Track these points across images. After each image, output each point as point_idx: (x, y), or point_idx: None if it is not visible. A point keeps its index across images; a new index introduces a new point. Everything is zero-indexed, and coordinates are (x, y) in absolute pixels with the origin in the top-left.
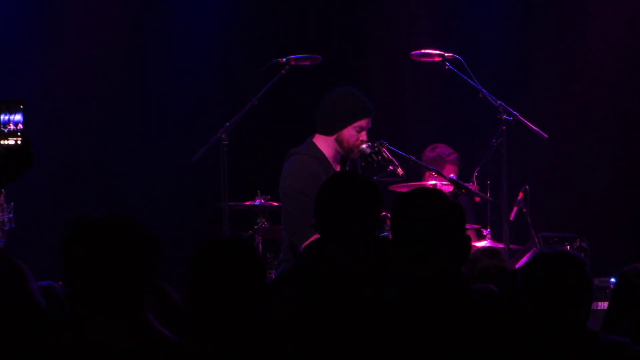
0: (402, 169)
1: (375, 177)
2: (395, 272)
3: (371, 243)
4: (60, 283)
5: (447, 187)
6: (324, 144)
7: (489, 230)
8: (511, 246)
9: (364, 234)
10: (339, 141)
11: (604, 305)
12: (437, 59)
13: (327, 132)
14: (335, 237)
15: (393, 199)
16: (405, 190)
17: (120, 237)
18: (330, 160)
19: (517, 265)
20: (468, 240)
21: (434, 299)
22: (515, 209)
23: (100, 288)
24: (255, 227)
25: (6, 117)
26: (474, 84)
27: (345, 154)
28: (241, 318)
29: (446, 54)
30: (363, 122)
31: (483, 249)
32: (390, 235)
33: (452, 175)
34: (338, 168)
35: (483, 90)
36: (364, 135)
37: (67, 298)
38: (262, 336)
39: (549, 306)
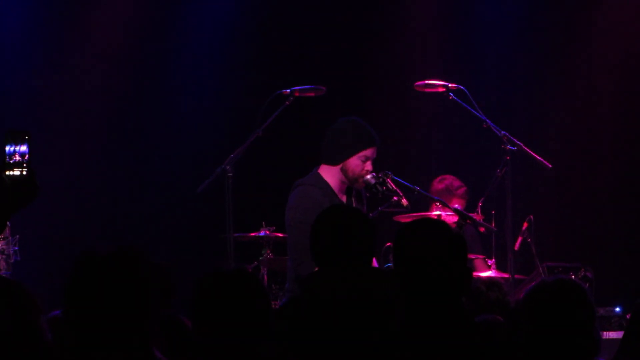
0: (407, 200)
1: (379, 208)
2: (394, 303)
3: (366, 275)
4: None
5: (451, 218)
6: (329, 174)
7: (493, 260)
8: (516, 276)
9: (359, 266)
10: (344, 171)
11: (609, 335)
12: (440, 89)
13: (333, 162)
14: (331, 270)
15: (397, 229)
16: (409, 220)
17: (128, 272)
18: (336, 190)
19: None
20: (469, 272)
21: (434, 331)
22: (520, 238)
23: (106, 323)
24: (260, 258)
25: (12, 148)
26: (477, 114)
27: (351, 184)
28: (248, 349)
29: (450, 85)
30: (368, 152)
31: (485, 281)
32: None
33: (457, 206)
34: (344, 198)
35: (487, 120)
36: (369, 165)
37: (68, 331)
38: None
39: (550, 334)
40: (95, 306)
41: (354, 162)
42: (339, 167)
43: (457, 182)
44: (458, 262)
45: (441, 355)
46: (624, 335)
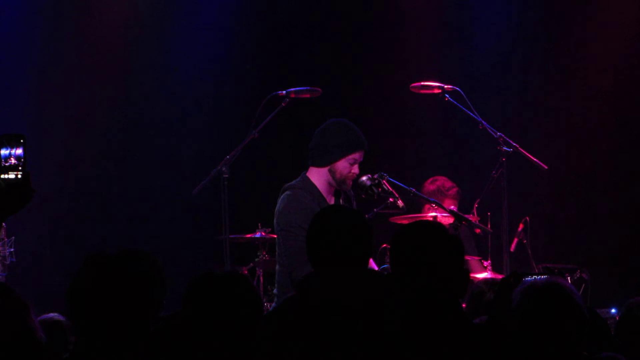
0: (403, 201)
1: (375, 209)
2: (392, 305)
3: (364, 277)
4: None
5: (447, 219)
6: (317, 176)
7: (489, 261)
8: None
9: (356, 267)
10: (332, 172)
11: None
12: (436, 91)
13: (320, 164)
14: (328, 272)
15: (393, 231)
16: (405, 222)
17: (135, 275)
18: (324, 193)
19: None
20: (466, 273)
21: (432, 332)
22: (515, 240)
23: (110, 323)
24: (256, 259)
25: (7, 152)
26: (473, 115)
27: (338, 185)
28: (236, 352)
29: (446, 86)
30: (356, 155)
31: (487, 280)
32: (390, 268)
33: (452, 208)
34: (332, 200)
35: (483, 122)
36: (356, 168)
37: (72, 332)
38: None
39: (541, 336)
40: (102, 308)
41: (342, 165)
42: (326, 168)
43: (448, 183)
44: (455, 263)
45: (440, 357)
46: (614, 332)
